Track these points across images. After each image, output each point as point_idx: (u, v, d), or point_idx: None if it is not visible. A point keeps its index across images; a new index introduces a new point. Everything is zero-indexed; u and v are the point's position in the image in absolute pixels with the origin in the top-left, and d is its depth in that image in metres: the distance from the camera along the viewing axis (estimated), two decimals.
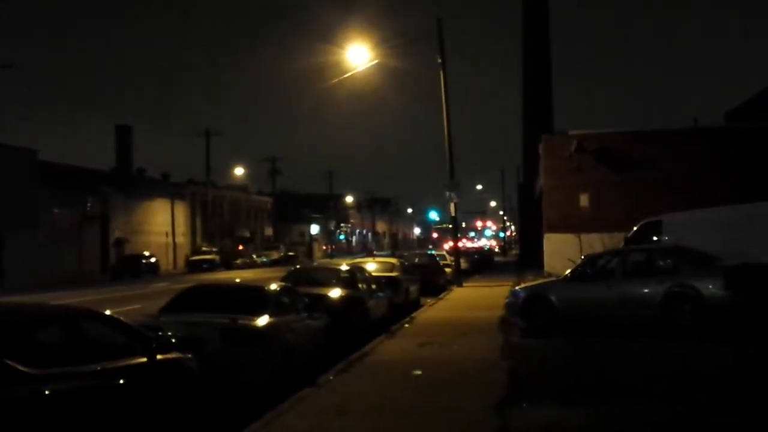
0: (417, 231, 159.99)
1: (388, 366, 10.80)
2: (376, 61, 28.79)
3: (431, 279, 26.46)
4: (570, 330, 13.78)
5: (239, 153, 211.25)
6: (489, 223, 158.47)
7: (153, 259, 53.93)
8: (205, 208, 70.40)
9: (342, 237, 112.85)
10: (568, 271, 15.60)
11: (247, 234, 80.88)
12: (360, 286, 15.87)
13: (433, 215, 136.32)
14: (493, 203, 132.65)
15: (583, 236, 27.07)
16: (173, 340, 6.92)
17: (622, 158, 29.49)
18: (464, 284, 28.81)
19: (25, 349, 5.20)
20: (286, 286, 12.36)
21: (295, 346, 10.14)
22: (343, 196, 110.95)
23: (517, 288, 16.89)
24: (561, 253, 27.18)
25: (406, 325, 16.07)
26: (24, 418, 4.83)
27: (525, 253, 48.80)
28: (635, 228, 20.41)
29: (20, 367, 4.92)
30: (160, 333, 6.94)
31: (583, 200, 29.47)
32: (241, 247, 74.49)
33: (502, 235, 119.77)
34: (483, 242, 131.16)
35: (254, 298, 10.36)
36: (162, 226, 63.44)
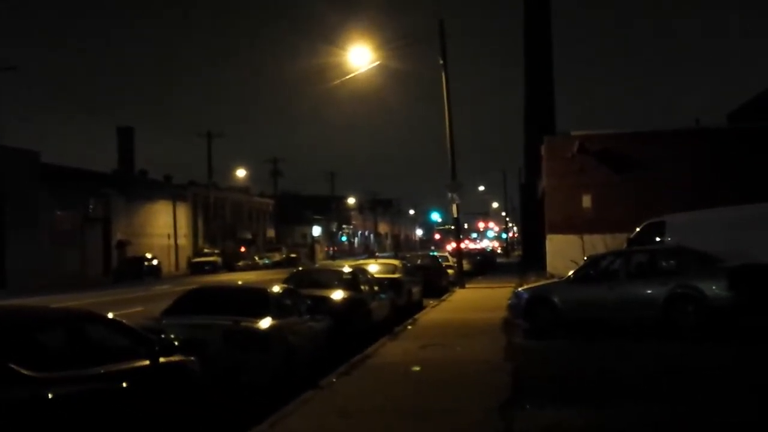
0: (419, 232, 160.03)
1: (391, 368, 10.79)
2: (377, 63, 28.81)
3: (434, 280, 26.45)
4: (573, 331, 13.77)
5: (241, 154, 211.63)
6: (491, 224, 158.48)
7: (155, 261, 53.97)
8: (207, 209, 70.49)
9: (344, 238, 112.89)
10: (571, 272, 15.58)
11: (249, 236, 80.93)
12: (362, 287, 15.87)
13: (435, 216, 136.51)
14: (495, 204, 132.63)
15: (586, 237, 27.02)
16: (176, 343, 6.92)
17: (625, 159, 29.46)
18: (467, 286, 28.78)
19: (28, 353, 5.21)
20: (289, 288, 12.36)
21: (297, 347, 10.14)
22: (345, 197, 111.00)
23: (519, 289, 16.88)
24: (563, 254, 27.14)
25: (409, 327, 16.07)
26: (27, 421, 4.84)
27: (527, 254, 48.73)
28: (638, 229, 20.37)
29: (23, 371, 4.92)
30: (162, 336, 6.94)
31: (586, 201, 29.43)
32: (243, 249, 74.52)
33: (504, 236, 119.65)
34: (485, 243, 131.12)
35: (256, 301, 10.36)
36: (164, 228, 63.50)
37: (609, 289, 14.06)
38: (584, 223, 28.31)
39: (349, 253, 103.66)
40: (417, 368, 10.86)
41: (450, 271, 31.08)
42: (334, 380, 9.81)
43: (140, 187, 61.74)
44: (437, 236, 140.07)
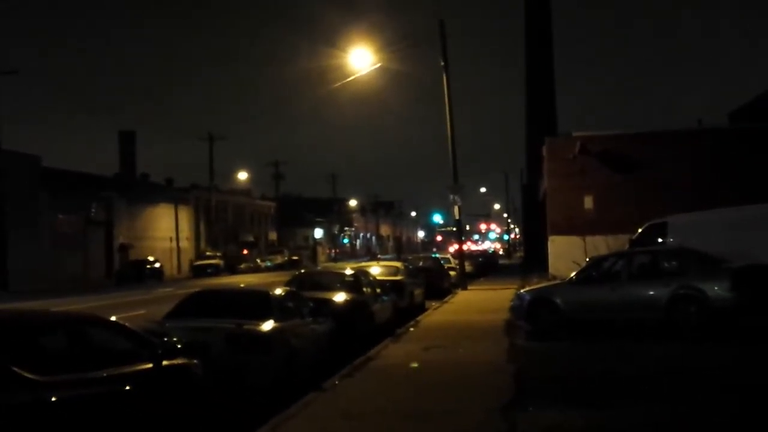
0: (421, 234, 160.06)
1: (394, 370, 10.80)
2: (378, 65, 28.83)
3: (436, 282, 26.45)
4: (575, 333, 13.77)
5: (242, 156, 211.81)
6: (493, 226, 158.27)
7: (157, 265, 54.03)
8: (208, 212, 70.56)
9: (346, 241, 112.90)
10: (573, 273, 15.59)
11: (251, 238, 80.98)
12: (365, 290, 15.87)
13: (437, 218, 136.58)
14: (497, 206, 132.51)
15: (588, 238, 27.02)
16: (179, 346, 6.93)
17: (626, 160, 29.47)
18: (469, 287, 28.77)
19: (31, 356, 5.22)
20: (291, 290, 12.36)
21: (299, 350, 10.15)
22: (346, 199, 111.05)
23: (522, 291, 16.88)
24: (566, 255, 27.15)
25: (411, 329, 16.07)
26: (30, 424, 4.85)
27: (529, 255, 48.74)
28: (640, 230, 20.38)
29: (26, 374, 4.93)
30: (165, 338, 6.95)
31: (587, 202, 29.44)
32: (245, 252, 74.57)
33: (506, 237, 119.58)
34: (487, 245, 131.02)
35: (259, 303, 10.37)
36: (166, 231, 63.56)
37: (611, 291, 14.06)
38: (586, 224, 28.31)
39: (350, 255, 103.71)
40: (419, 370, 10.88)
41: (452, 272, 31.09)
42: (337, 382, 9.82)
43: (142, 191, 61.82)
44: (439, 238, 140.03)
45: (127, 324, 6.92)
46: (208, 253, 64.93)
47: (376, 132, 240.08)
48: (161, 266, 54.67)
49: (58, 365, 5.39)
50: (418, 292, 22.12)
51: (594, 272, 15.08)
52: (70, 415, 5.15)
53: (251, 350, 9.06)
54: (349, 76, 29.34)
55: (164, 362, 6.47)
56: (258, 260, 69.39)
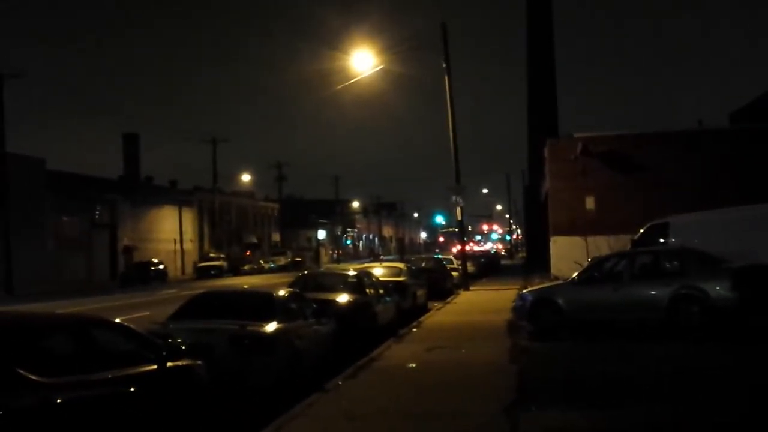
0: (423, 235, 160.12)
1: (397, 371, 10.84)
2: (380, 67, 28.87)
3: (438, 283, 26.49)
4: (577, 333, 13.80)
5: (245, 158, 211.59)
6: (495, 227, 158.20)
7: (161, 266, 54.15)
8: (212, 214, 70.69)
9: (348, 242, 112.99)
10: (575, 273, 15.62)
11: (255, 240, 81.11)
12: (367, 291, 15.91)
13: (439, 219, 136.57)
14: (499, 206, 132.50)
15: (590, 239, 27.06)
16: (183, 347, 6.98)
17: (627, 160, 29.51)
18: (471, 288, 28.81)
19: (36, 358, 5.24)
20: (294, 291, 12.40)
21: (303, 351, 10.19)
22: (349, 201, 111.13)
23: (524, 291, 16.92)
24: (568, 255, 27.19)
25: (414, 330, 16.11)
26: (35, 426, 4.87)
27: (532, 256, 48.77)
28: (642, 230, 20.40)
29: (31, 376, 4.96)
30: (169, 340, 7.00)
31: (589, 203, 29.45)
32: (248, 253, 74.73)
33: (508, 238, 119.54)
34: (489, 246, 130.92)
35: (262, 305, 10.41)
36: (170, 233, 63.68)
37: (613, 291, 14.10)
38: (588, 225, 28.34)
39: (353, 256, 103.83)
40: (422, 371, 10.91)
41: (454, 273, 31.09)
42: (340, 383, 9.86)
43: (146, 193, 61.97)
44: (441, 239, 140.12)
45: (131, 325, 6.96)
46: (211, 255, 65.07)
47: (379, 133, 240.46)
48: (165, 268, 54.80)
49: (62, 367, 5.42)
50: (420, 292, 22.16)
51: (596, 272, 15.11)
52: (75, 416, 5.18)
53: (255, 351, 9.11)
54: (351, 78, 29.42)
55: (168, 363, 6.52)
56: (261, 262, 69.50)
